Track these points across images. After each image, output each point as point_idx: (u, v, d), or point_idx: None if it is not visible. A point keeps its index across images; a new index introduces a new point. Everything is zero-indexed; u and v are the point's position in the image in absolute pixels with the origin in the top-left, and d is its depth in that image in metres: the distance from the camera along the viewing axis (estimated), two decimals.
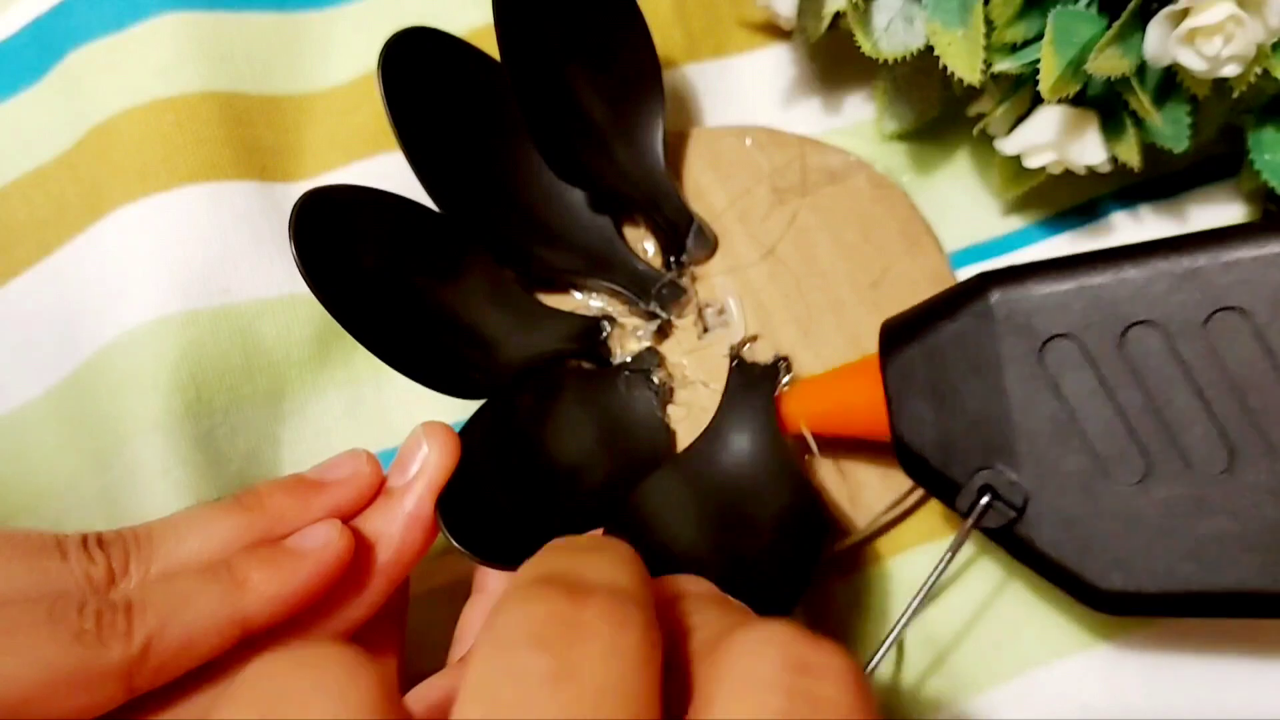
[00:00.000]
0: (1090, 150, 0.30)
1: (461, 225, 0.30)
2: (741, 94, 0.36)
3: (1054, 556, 0.25)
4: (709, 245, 0.33)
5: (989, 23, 0.29)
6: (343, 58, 0.35)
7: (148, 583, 0.22)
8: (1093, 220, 0.34)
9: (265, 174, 0.33)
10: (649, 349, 0.32)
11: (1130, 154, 0.30)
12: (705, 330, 0.32)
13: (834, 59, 0.36)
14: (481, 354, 0.29)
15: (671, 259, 0.32)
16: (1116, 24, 0.27)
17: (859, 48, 0.30)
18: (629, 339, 0.32)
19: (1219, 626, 0.29)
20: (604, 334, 0.31)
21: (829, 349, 0.31)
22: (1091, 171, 0.31)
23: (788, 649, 0.17)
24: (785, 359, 0.31)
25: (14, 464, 0.31)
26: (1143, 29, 0.27)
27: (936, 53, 0.29)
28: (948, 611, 0.30)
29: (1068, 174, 0.31)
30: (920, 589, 0.27)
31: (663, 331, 0.32)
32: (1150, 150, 0.30)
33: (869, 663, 0.26)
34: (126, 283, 0.31)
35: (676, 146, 0.34)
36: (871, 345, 0.28)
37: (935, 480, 0.26)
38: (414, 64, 0.30)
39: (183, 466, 0.29)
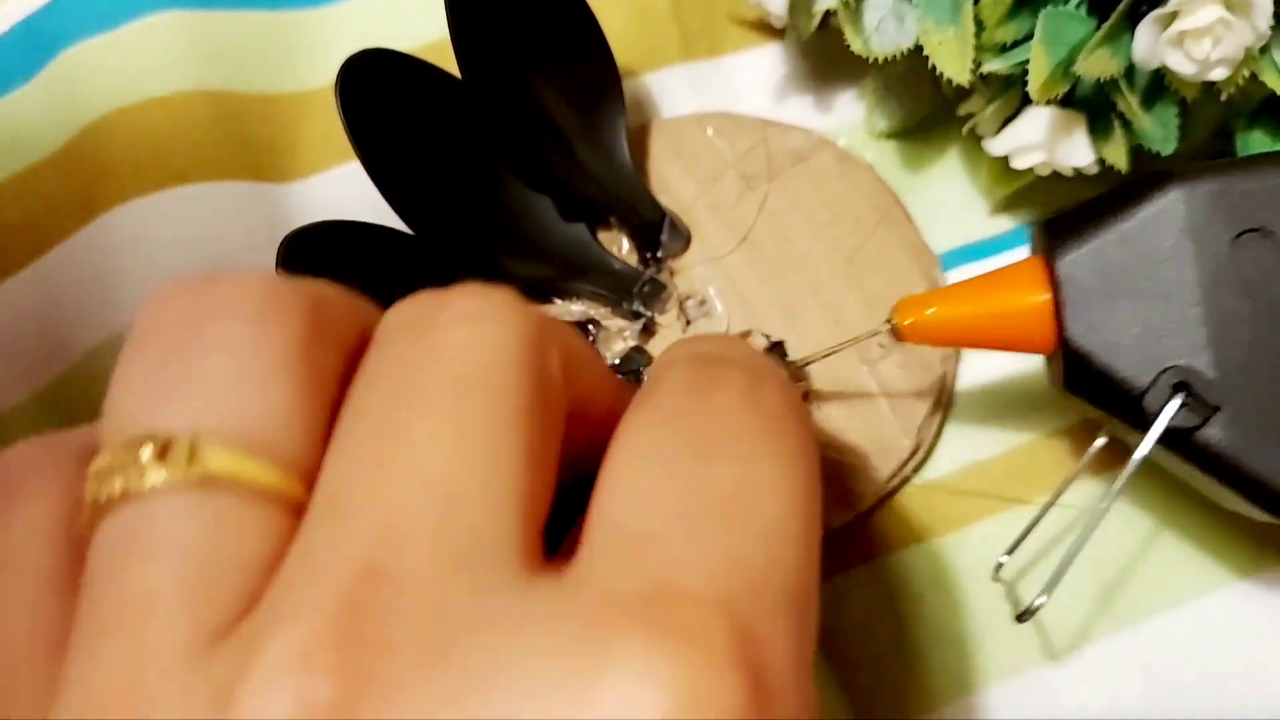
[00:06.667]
0: (1078, 152, 0.30)
1: (438, 246, 0.30)
2: (735, 93, 0.36)
3: (1248, 463, 0.24)
4: (683, 238, 0.33)
5: (979, 22, 0.29)
6: (337, 56, 0.35)
7: None
8: None
9: (260, 174, 0.33)
10: (636, 348, 0.32)
11: (1118, 156, 0.30)
12: (689, 323, 0.32)
13: (825, 57, 0.36)
14: None
15: (648, 255, 0.33)
16: (1106, 25, 0.27)
17: (849, 46, 0.30)
18: (615, 340, 0.32)
19: (1215, 626, 0.29)
20: (590, 338, 0.32)
21: (813, 331, 0.32)
22: (1079, 173, 0.31)
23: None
24: (780, 342, 0.31)
25: None
26: (1132, 31, 0.27)
27: (926, 52, 0.29)
28: (939, 612, 0.30)
29: (1056, 175, 0.31)
30: (1094, 514, 0.26)
31: (648, 330, 0.32)
32: (1138, 152, 0.30)
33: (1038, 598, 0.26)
34: (119, 285, 0.31)
35: (638, 140, 0.34)
36: (855, 322, 0.27)
37: (1108, 388, 0.25)
38: (373, 86, 0.30)
39: None
